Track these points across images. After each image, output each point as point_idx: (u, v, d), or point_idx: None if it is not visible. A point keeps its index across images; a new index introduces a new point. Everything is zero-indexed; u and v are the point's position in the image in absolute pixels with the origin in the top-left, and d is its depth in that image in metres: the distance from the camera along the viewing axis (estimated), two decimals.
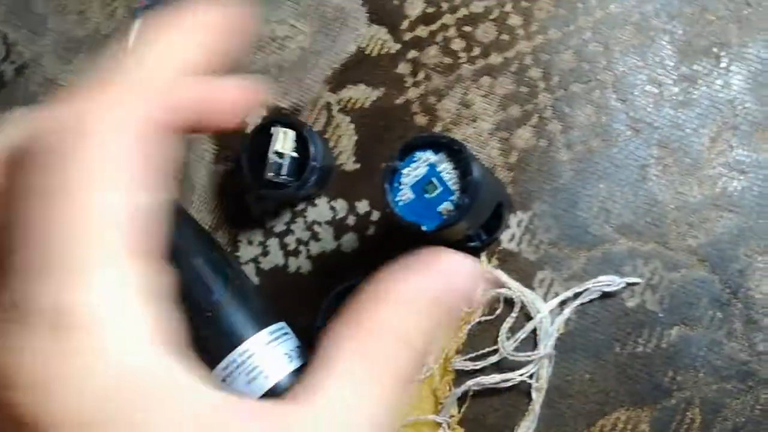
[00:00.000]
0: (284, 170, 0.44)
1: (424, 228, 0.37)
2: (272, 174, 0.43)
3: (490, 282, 0.27)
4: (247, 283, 0.46)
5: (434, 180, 0.37)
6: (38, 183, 0.19)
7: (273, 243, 0.49)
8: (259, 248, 0.49)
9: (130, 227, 0.19)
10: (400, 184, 0.38)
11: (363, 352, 0.21)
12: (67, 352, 0.18)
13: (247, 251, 0.49)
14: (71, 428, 0.18)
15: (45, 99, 0.53)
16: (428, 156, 0.37)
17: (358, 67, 0.49)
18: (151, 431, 0.18)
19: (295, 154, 0.44)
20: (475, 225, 0.40)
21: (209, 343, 0.43)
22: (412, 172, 0.38)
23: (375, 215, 0.47)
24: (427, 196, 0.37)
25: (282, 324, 0.45)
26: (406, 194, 0.38)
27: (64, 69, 0.53)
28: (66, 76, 0.53)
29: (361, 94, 0.48)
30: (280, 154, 0.43)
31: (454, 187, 0.37)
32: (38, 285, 0.18)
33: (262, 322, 0.44)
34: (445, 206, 0.37)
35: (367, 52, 0.49)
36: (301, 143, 0.44)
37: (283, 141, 0.43)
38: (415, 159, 0.38)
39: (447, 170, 0.37)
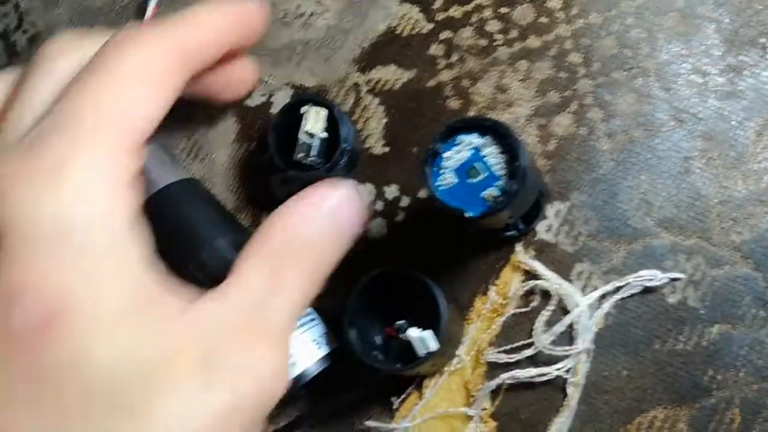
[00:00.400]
0: (314, 151, 0.41)
1: (468, 214, 0.35)
2: (302, 155, 0.41)
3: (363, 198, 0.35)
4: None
5: (478, 164, 0.36)
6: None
7: None
8: None
9: (136, 123, 0.28)
10: (440, 168, 0.36)
11: (266, 254, 0.30)
12: (41, 178, 0.24)
13: None
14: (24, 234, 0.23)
15: None
16: (472, 139, 0.36)
17: (388, 47, 0.46)
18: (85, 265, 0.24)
19: (325, 135, 0.42)
20: (518, 213, 0.38)
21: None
22: (455, 155, 0.36)
23: (404, 201, 0.45)
24: (470, 180, 0.36)
25: (309, 309, 0.43)
26: (447, 178, 0.36)
27: None
28: None
29: (392, 75, 0.46)
30: (310, 135, 0.41)
31: (499, 173, 0.35)
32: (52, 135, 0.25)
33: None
34: (490, 192, 0.35)
35: (397, 32, 0.46)
36: (331, 124, 0.42)
37: (315, 121, 0.41)
38: (457, 142, 0.36)
39: (492, 154, 0.35)
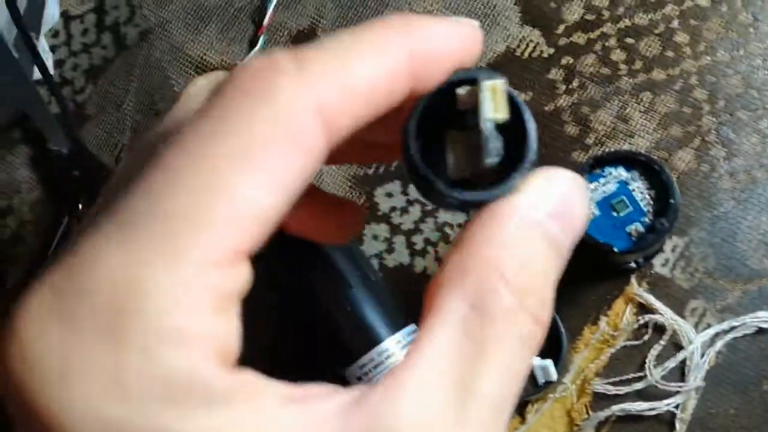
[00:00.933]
0: (500, 149, 0.23)
1: (616, 249, 0.35)
2: (493, 159, 0.21)
3: (586, 191, 0.23)
4: (380, 280, 0.44)
5: (625, 199, 0.35)
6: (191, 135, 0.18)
7: (399, 240, 0.47)
8: (384, 244, 0.47)
9: (257, 225, 0.17)
10: None
11: (467, 312, 0.18)
12: (114, 343, 0.16)
13: (371, 246, 0.47)
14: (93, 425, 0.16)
15: (170, 68, 0.50)
16: (620, 172, 0.35)
17: (506, 68, 0.46)
18: None
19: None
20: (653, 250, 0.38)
21: (345, 337, 0.41)
22: (600, 187, 0.36)
23: None
24: (615, 214, 0.36)
25: (415, 327, 0.43)
26: (591, 210, 0.36)
27: (192, 38, 0.50)
28: (194, 46, 0.50)
29: None
30: (494, 124, 0.21)
31: (646, 208, 0.35)
32: (120, 252, 0.16)
33: (398, 323, 0.42)
34: (635, 227, 0.35)
35: (517, 54, 0.46)
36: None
37: (495, 101, 0.21)
38: (604, 174, 0.36)
39: (640, 189, 0.35)
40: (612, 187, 0.35)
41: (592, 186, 0.35)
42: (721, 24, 0.44)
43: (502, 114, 0.20)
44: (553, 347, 0.38)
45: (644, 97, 0.44)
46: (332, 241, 0.30)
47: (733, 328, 0.41)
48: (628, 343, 0.42)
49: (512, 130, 0.21)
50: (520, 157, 0.20)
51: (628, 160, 0.35)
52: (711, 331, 0.41)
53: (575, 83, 0.45)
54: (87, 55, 0.52)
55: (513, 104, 0.20)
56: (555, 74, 0.46)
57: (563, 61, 0.46)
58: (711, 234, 0.42)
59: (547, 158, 0.45)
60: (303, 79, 0.18)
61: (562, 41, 0.46)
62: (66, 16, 0.52)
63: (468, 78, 0.20)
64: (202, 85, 0.23)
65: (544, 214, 0.19)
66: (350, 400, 0.17)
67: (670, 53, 0.44)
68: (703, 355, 0.41)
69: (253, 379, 0.17)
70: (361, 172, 0.47)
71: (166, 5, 0.51)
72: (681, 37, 0.44)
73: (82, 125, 0.51)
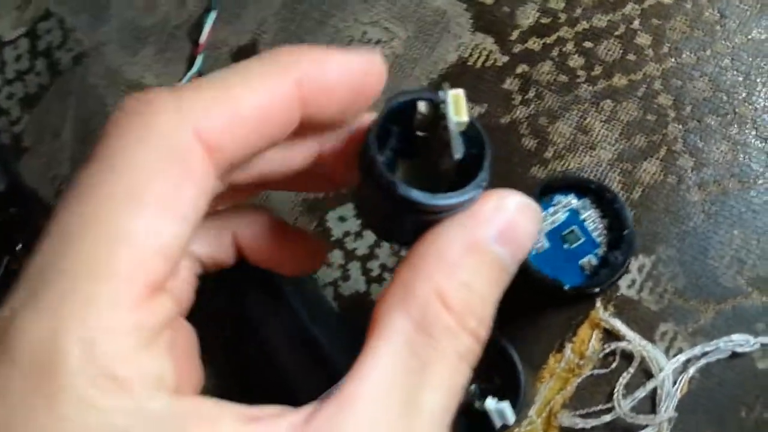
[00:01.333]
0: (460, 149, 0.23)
1: (566, 287, 0.32)
2: (459, 156, 0.22)
3: (537, 216, 0.22)
4: (334, 314, 0.41)
5: (576, 229, 0.33)
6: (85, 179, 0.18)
7: (354, 267, 0.44)
8: (339, 271, 0.44)
9: (161, 259, 0.18)
10: None
11: (411, 330, 0.19)
12: (49, 401, 0.16)
13: (325, 274, 0.44)
14: None
15: (107, 93, 0.47)
16: (570, 200, 0.32)
17: (459, 79, 0.43)
18: None
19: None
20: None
21: (313, 374, 0.39)
22: (549, 216, 0.33)
23: None
24: (566, 246, 0.33)
25: None
26: (540, 242, 0.33)
27: (128, 61, 0.47)
28: (130, 69, 0.47)
29: None
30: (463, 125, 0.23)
31: (599, 239, 0.32)
32: (31, 312, 0.17)
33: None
34: (588, 260, 0.32)
35: (469, 63, 0.43)
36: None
37: (457, 106, 0.22)
38: (553, 202, 0.33)
39: (592, 218, 0.32)
40: (562, 216, 0.32)
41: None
42: (686, 22, 0.40)
43: (465, 117, 0.22)
44: (510, 387, 0.35)
45: (605, 105, 0.41)
46: (293, 272, 0.30)
47: (706, 353, 0.38)
48: (596, 371, 0.39)
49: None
50: (476, 170, 0.22)
51: (579, 187, 0.32)
52: (682, 357, 0.38)
53: (532, 93, 0.42)
54: (22, 83, 0.49)
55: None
56: (510, 84, 0.42)
57: (518, 70, 0.42)
58: (680, 251, 0.39)
59: (504, 174, 0.42)
60: (181, 111, 0.18)
61: (517, 48, 0.43)
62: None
63: (423, 97, 0.22)
64: None
65: (489, 236, 0.20)
66: (302, 419, 0.18)
67: (631, 56, 0.41)
68: (675, 383, 0.38)
69: (205, 403, 0.18)
70: (311, 196, 0.44)
71: (100, 27, 0.48)
72: (643, 39, 0.41)
73: (20, 158, 0.48)
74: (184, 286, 0.26)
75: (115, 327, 0.17)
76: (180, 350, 0.23)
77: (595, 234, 0.31)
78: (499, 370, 0.36)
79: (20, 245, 0.46)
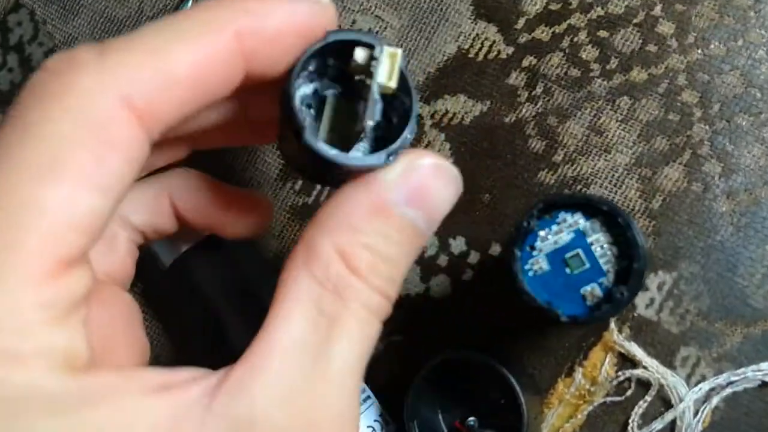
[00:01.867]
0: (377, 118, 0.22)
1: (562, 318, 0.28)
2: (371, 122, 0.21)
3: (454, 179, 0.21)
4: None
5: (581, 253, 0.29)
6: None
7: None
8: None
9: (76, 232, 0.17)
10: (532, 248, 0.29)
11: (316, 289, 0.19)
12: None
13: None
14: None
15: None
16: (576, 220, 0.28)
17: (459, 73, 0.39)
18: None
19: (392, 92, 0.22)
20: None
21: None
22: (552, 236, 0.29)
23: (473, 257, 0.38)
24: (567, 270, 0.29)
25: (363, 386, 0.37)
26: (539, 263, 0.29)
27: None
28: None
29: (461, 107, 0.39)
30: (386, 96, 0.22)
31: (606, 267, 0.28)
32: None
33: None
34: (591, 289, 0.28)
35: (470, 56, 0.39)
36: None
37: (390, 69, 0.21)
38: (557, 220, 0.29)
39: (600, 243, 0.28)
40: (566, 237, 0.28)
41: (542, 234, 0.29)
42: (714, 8, 0.35)
43: (393, 83, 0.20)
44: (508, 411, 0.32)
45: (622, 102, 0.36)
46: (236, 234, 0.29)
47: (732, 382, 0.34)
48: (609, 399, 0.35)
49: (394, 109, 0.22)
50: (393, 138, 0.21)
51: (588, 207, 0.28)
52: (705, 385, 0.34)
53: (539, 89, 0.38)
54: None
55: (402, 79, 0.21)
56: (515, 79, 0.38)
57: (525, 63, 0.38)
58: (705, 268, 0.35)
59: (509, 178, 0.38)
60: (105, 72, 0.17)
61: (523, 38, 0.38)
62: None
63: (366, 42, 0.21)
64: None
65: (396, 200, 0.20)
66: (215, 383, 0.18)
67: (652, 48, 0.36)
68: (696, 414, 0.34)
69: (110, 378, 0.18)
70: (299, 201, 0.41)
71: (72, 20, 0.44)
72: (665, 27, 0.36)
73: None
74: (123, 258, 0.26)
75: (20, 303, 0.16)
76: (113, 323, 0.23)
77: (602, 261, 0.27)
78: (494, 390, 0.32)
79: None
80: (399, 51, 0.21)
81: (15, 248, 0.16)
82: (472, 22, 0.39)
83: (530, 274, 0.29)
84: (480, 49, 0.39)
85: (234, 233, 0.29)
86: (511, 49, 0.38)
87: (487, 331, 0.38)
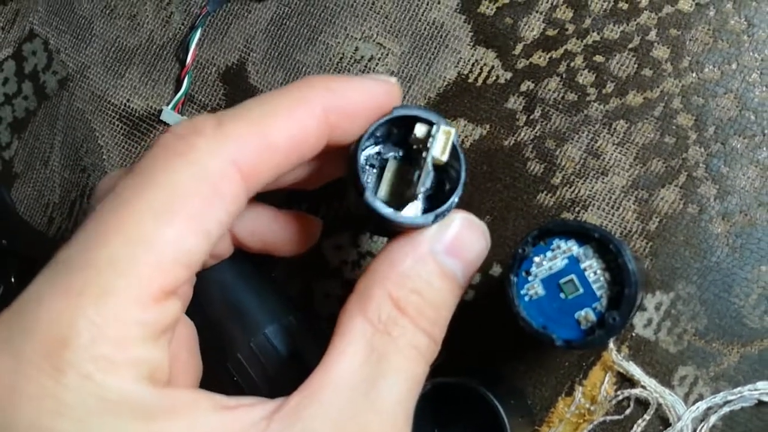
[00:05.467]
0: (429, 187, 0.25)
1: (558, 343, 0.28)
2: (424, 189, 0.25)
3: (483, 232, 0.25)
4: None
5: (575, 278, 0.28)
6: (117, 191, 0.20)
7: None
8: (337, 304, 0.41)
9: (180, 267, 0.19)
10: (528, 274, 0.29)
11: (369, 329, 0.21)
12: (55, 369, 0.18)
13: (324, 305, 0.41)
14: None
15: (94, 118, 0.44)
16: (570, 246, 0.28)
17: (459, 98, 0.39)
18: None
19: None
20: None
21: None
22: (546, 262, 0.29)
23: (474, 278, 0.38)
24: (562, 295, 0.29)
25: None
26: (534, 289, 0.29)
27: (113, 84, 0.43)
28: (116, 93, 0.43)
29: (461, 130, 0.39)
30: (439, 166, 0.24)
31: (599, 292, 0.28)
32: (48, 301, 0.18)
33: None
34: (585, 314, 0.28)
35: (470, 80, 0.39)
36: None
37: (444, 144, 0.24)
38: (551, 247, 0.29)
39: (593, 269, 0.28)
40: (560, 263, 0.28)
41: (537, 260, 0.28)
42: (708, 32, 0.35)
43: (445, 157, 0.23)
44: None
45: (618, 126, 0.36)
46: (290, 254, 0.31)
47: (729, 401, 0.34)
48: (608, 417, 0.35)
49: (444, 177, 0.25)
50: (443, 199, 0.24)
51: (581, 234, 0.28)
52: (703, 405, 0.34)
53: (537, 113, 0.37)
54: (10, 107, 0.46)
55: (454, 151, 0.24)
56: (514, 103, 0.38)
57: (523, 87, 0.38)
58: (701, 288, 0.34)
59: (508, 201, 0.38)
60: (220, 138, 0.20)
61: (521, 63, 0.38)
62: None
63: (426, 118, 0.24)
64: (113, 175, 0.25)
65: (436, 249, 0.23)
66: (273, 408, 0.20)
67: (647, 72, 0.36)
68: None
69: (186, 394, 0.19)
70: None
71: (84, 48, 0.44)
72: (660, 52, 0.36)
73: (12, 185, 0.45)
74: (187, 286, 0.27)
75: (125, 319, 0.18)
76: (181, 345, 0.25)
77: (595, 286, 0.27)
78: (487, 423, 0.32)
79: (14, 279, 0.43)
80: (452, 130, 0.23)
81: (127, 274, 0.18)
82: (471, 48, 0.39)
83: (526, 299, 0.29)
84: (479, 74, 0.38)
85: (287, 253, 0.31)
86: (509, 74, 0.38)
87: (487, 350, 0.37)
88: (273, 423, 0.19)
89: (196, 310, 0.36)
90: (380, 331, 0.21)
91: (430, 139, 0.23)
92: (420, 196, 0.25)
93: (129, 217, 0.19)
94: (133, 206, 0.19)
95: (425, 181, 0.24)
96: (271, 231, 0.29)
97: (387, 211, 0.23)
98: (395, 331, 0.21)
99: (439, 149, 0.23)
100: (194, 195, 0.19)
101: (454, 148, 0.24)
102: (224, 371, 0.35)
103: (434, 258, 0.23)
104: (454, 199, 0.24)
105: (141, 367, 0.19)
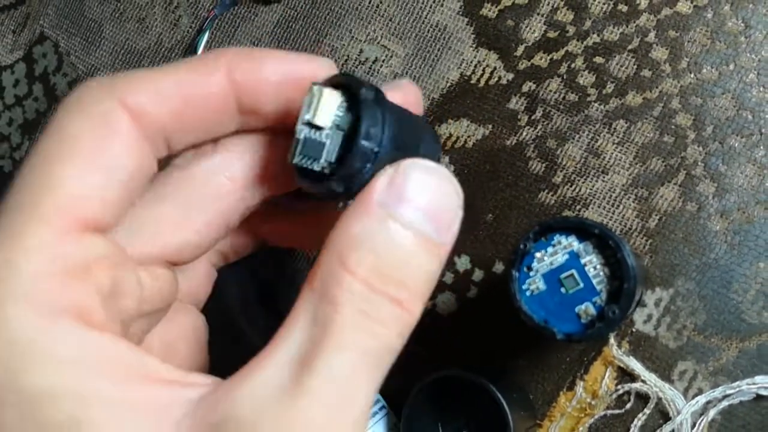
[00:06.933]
0: (324, 154, 0.21)
1: (559, 336, 0.28)
2: (301, 157, 0.21)
3: (440, 175, 0.20)
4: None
5: (575, 273, 0.29)
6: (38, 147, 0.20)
7: None
8: None
9: (85, 202, 0.19)
10: (529, 269, 0.30)
11: (315, 302, 0.18)
12: None
13: None
14: None
15: None
16: (570, 242, 0.29)
17: (461, 99, 0.39)
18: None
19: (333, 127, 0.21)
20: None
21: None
22: (547, 257, 0.29)
23: (477, 274, 0.38)
24: (562, 290, 0.29)
25: (377, 397, 0.37)
26: (535, 283, 0.29)
27: None
28: None
29: (464, 130, 0.39)
30: (315, 127, 0.21)
31: (599, 287, 0.28)
32: None
33: None
34: (585, 308, 0.28)
35: (472, 81, 0.39)
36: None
37: (317, 106, 0.21)
38: (552, 242, 0.29)
39: (593, 264, 0.28)
40: (561, 258, 0.28)
41: (538, 255, 0.29)
42: (706, 34, 0.36)
43: (320, 120, 0.20)
44: (499, 428, 0.32)
45: (618, 125, 0.37)
46: (314, 248, 0.29)
47: (728, 395, 0.34)
48: (609, 411, 0.35)
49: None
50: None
51: (582, 230, 0.28)
52: (702, 399, 0.34)
53: (539, 113, 0.38)
54: (21, 108, 0.46)
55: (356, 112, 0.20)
56: (516, 103, 0.38)
57: (524, 88, 0.38)
58: (700, 284, 0.35)
59: (510, 200, 0.38)
60: (107, 86, 0.20)
61: (523, 64, 0.38)
62: None
63: (336, 82, 0.20)
64: None
65: (388, 201, 0.19)
66: (207, 391, 0.18)
67: (646, 72, 0.36)
68: (694, 426, 0.34)
69: (122, 349, 0.18)
70: None
71: (94, 51, 0.45)
72: (659, 53, 0.36)
73: None
74: (201, 281, 0.26)
75: (36, 252, 0.18)
76: (180, 336, 0.24)
77: (595, 281, 0.28)
78: (487, 409, 0.32)
79: None
80: (327, 90, 0.20)
81: (32, 213, 0.19)
82: (473, 50, 0.39)
83: (527, 293, 0.29)
84: (481, 75, 0.39)
85: (311, 247, 0.29)
86: (511, 76, 0.38)
87: (490, 346, 0.38)
88: (198, 409, 0.17)
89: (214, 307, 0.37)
90: (324, 299, 0.18)
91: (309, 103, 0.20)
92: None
93: (31, 167, 0.19)
94: (35, 158, 0.20)
95: (307, 149, 0.20)
96: (292, 225, 0.27)
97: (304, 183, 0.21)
98: (340, 297, 0.18)
99: (307, 112, 0.20)
100: (87, 136, 0.20)
101: (357, 106, 0.20)
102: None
103: (387, 211, 0.19)
104: (357, 150, 0.20)
105: (61, 303, 0.18)
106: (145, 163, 0.21)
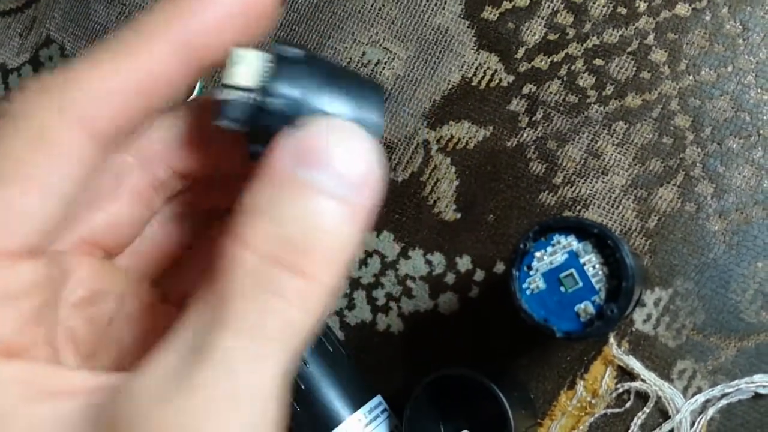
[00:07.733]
0: (237, 112, 0.20)
1: (558, 335, 0.28)
2: (222, 118, 0.19)
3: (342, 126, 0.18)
4: (338, 348, 0.39)
5: (574, 272, 0.29)
6: None
7: (360, 296, 0.41)
8: (344, 300, 0.42)
9: (18, 228, 0.18)
10: (529, 268, 0.30)
11: (208, 288, 0.16)
12: None
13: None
14: None
15: None
16: (570, 242, 0.29)
17: (463, 101, 0.40)
18: None
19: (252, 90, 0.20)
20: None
21: (302, 420, 0.36)
22: (547, 257, 0.29)
23: (479, 274, 0.39)
24: (562, 289, 0.29)
25: (378, 399, 0.38)
26: (535, 282, 0.30)
27: None
28: None
29: (465, 132, 0.39)
30: (234, 88, 0.20)
31: (598, 286, 0.28)
32: None
33: (359, 398, 0.37)
34: (584, 307, 0.29)
35: (473, 84, 0.39)
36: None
37: (240, 69, 0.20)
38: (552, 242, 0.29)
39: (592, 263, 0.29)
40: (560, 258, 0.29)
41: (538, 255, 0.29)
42: (705, 36, 0.36)
43: (243, 82, 0.19)
44: (500, 427, 0.32)
45: (617, 127, 0.37)
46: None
47: (726, 394, 0.34)
48: (609, 410, 0.36)
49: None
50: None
51: (581, 230, 0.28)
52: (701, 397, 0.34)
53: (539, 114, 0.38)
54: None
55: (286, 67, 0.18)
56: (516, 105, 0.39)
57: (525, 90, 0.38)
58: (699, 284, 0.35)
59: (511, 200, 0.38)
60: (51, 94, 0.18)
61: (523, 67, 0.39)
62: (3, 69, 0.47)
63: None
64: None
65: (290, 166, 0.17)
66: (95, 399, 0.17)
67: (645, 74, 0.37)
68: (693, 424, 0.34)
69: (32, 369, 0.18)
70: None
71: None
72: (658, 55, 0.37)
73: None
74: (125, 209, 0.22)
75: None
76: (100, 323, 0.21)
77: (594, 280, 0.28)
78: (488, 407, 0.33)
79: None
80: (253, 53, 0.19)
81: None
82: (474, 53, 0.39)
83: (528, 292, 0.30)
84: (483, 77, 0.39)
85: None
86: (511, 78, 0.39)
87: (491, 345, 0.38)
88: (100, 413, 0.16)
89: None
90: (219, 280, 0.16)
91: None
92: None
93: None
94: None
95: (228, 110, 0.19)
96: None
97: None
98: (233, 274, 0.16)
99: (229, 75, 0.19)
100: (24, 156, 0.18)
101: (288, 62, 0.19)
102: None
103: (287, 174, 0.17)
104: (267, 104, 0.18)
105: None
106: (96, 163, 0.19)
